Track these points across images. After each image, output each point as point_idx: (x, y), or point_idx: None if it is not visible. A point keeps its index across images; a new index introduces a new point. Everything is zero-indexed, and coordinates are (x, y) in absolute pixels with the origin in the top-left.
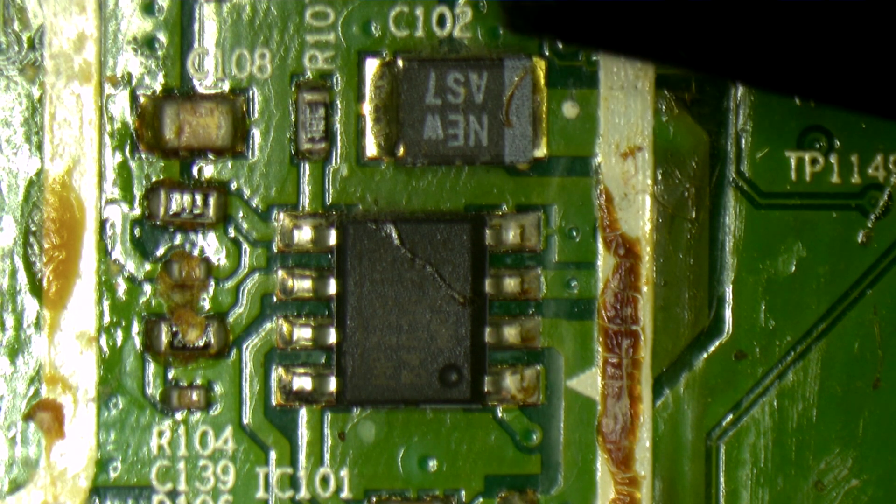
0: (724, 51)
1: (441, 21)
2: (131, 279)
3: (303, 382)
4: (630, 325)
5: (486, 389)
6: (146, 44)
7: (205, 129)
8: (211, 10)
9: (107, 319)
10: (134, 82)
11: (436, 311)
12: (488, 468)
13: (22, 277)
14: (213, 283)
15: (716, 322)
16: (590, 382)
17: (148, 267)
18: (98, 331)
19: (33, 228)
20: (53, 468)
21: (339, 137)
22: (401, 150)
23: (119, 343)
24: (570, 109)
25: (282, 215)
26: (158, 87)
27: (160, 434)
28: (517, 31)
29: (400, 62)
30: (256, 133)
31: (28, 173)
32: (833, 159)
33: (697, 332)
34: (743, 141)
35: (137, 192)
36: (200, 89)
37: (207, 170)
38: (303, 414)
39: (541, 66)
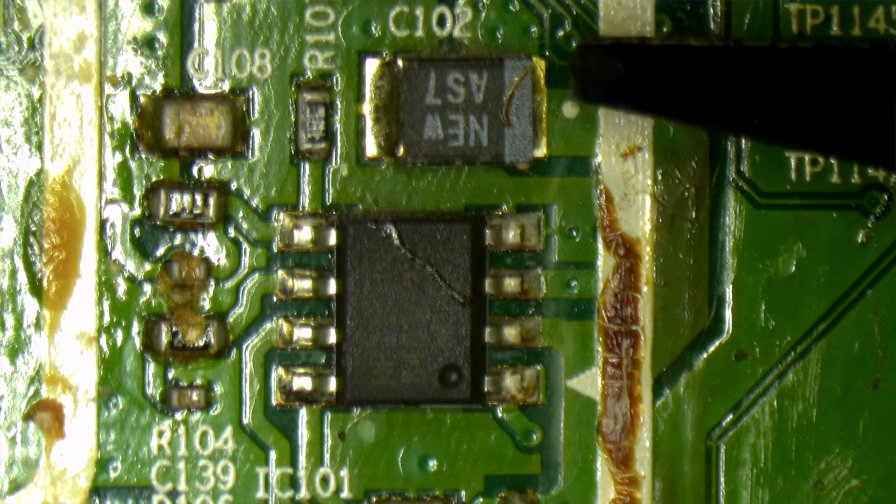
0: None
1: (441, 21)
2: (131, 279)
3: (303, 382)
4: (630, 325)
5: (486, 389)
6: (146, 44)
7: (205, 129)
8: (211, 10)
9: (107, 319)
10: (134, 82)
11: (436, 311)
12: (488, 468)
13: (22, 277)
14: (213, 283)
15: (716, 322)
16: (590, 382)
17: (148, 267)
18: (98, 331)
19: (33, 228)
20: (53, 468)
21: (339, 137)
22: (401, 150)
23: (119, 343)
24: (570, 109)
25: (282, 215)
26: (158, 87)
27: (160, 434)
28: (587, 100)
29: (400, 62)
30: (256, 133)
31: (28, 173)
32: (833, 159)
33: (697, 332)
34: (743, 141)
35: (137, 192)
36: (200, 89)
37: (207, 170)
38: (303, 414)
39: (541, 66)
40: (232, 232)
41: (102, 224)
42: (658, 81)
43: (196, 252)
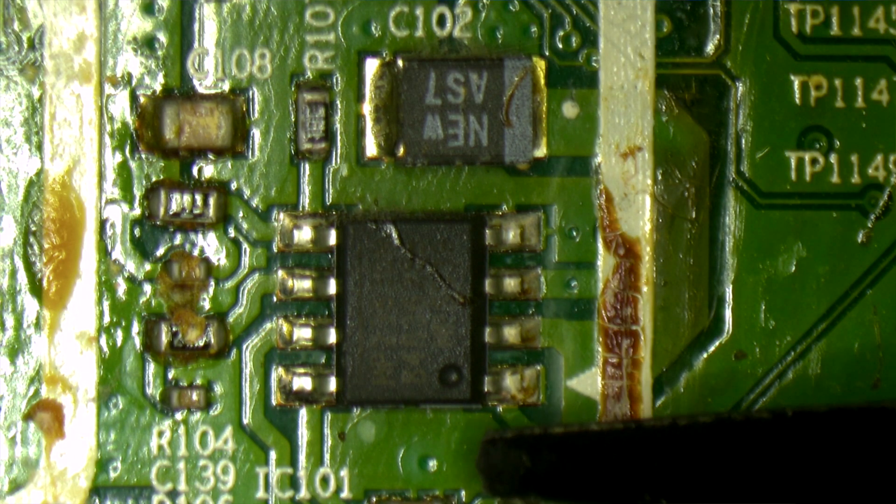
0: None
1: (441, 21)
2: (131, 279)
3: (303, 382)
4: (630, 325)
5: (486, 389)
6: (146, 44)
7: (205, 129)
8: (211, 10)
9: (107, 319)
10: (134, 82)
11: (436, 311)
12: None
13: (22, 277)
14: (213, 283)
15: (716, 322)
16: (590, 382)
17: (148, 267)
18: (98, 331)
19: (33, 228)
20: (53, 468)
21: (339, 137)
22: (401, 150)
23: (119, 343)
24: (570, 109)
25: (282, 215)
26: (158, 87)
27: (160, 434)
28: (498, 495)
29: (400, 62)
30: (256, 133)
31: (28, 173)
32: (833, 159)
33: (697, 332)
34: (743, 141)
35: (137, 192)
36: (200, 89)
37: (207, 170)
38: (303, 414)
39: (541, 66)
40: (232, 232)
41: (102, 224)
42: (564, 469)
43: (196, 252)
